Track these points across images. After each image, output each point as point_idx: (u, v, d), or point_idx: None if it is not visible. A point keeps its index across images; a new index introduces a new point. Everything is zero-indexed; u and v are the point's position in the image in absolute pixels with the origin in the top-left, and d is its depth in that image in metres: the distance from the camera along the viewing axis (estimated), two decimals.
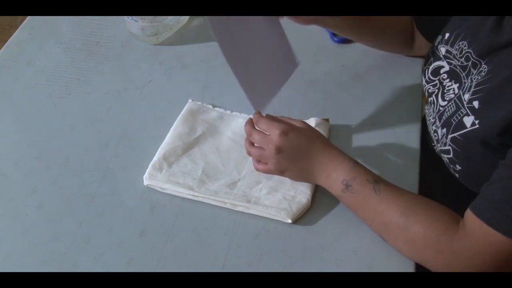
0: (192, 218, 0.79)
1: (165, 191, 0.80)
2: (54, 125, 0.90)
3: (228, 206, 0.79)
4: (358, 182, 0.74)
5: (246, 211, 0.78)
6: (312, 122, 0.87)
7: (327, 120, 0.89)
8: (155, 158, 0.83)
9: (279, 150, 0.76)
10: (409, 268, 0.73)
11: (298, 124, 0.79)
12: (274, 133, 0.76)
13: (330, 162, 0.76)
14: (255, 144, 0.79)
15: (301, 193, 0.79)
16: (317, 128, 0.84)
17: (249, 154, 0.80)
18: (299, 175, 0.79)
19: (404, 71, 0.99)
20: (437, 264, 0.70)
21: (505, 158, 0.67)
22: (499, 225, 0.65)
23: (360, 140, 0.88)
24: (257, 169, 0.80)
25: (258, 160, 0.79)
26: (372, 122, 0.91)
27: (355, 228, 0.77)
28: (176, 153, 0.84)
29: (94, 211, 0.79)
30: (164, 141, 0.86)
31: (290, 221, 0.77)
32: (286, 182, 0.81)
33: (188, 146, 0.85)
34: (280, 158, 0.76)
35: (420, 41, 0.96)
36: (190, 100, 0.92)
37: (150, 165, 0.82)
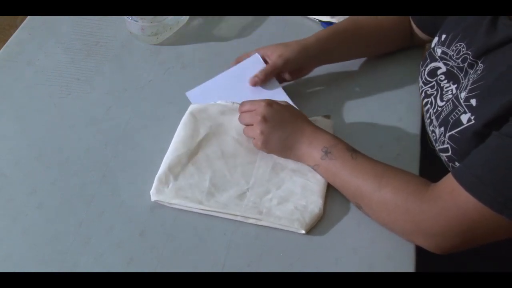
0: (192, 218, 0.79)
1: (173, 206, 0.79)
2: (54, 125, 0.90)
3: (239, 219, 0.77)
4: (338, 149, 0.78)
5: (258, 223, 0.77)
6: (315, 120, 0.87)
7: (328, 116, 0.89)
8: (160, 171, 0.81)
9: (264, 119, 0.80)
10: (409, 268, 0.73)
11: (281, 102, 0.84)
12: (260, 105, 0.82)
13: (312, 132, 0.80)
14: (247, 124, 0.84)
15: (312, 202, 0.78)
16: (321, 127, 0.85)
17: (245, 134, 0.84)
18: (281, 145, 0.81)
19: (404, 71, 0.99)
20: (406, 224, 0.72)
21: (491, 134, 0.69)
22: (467, 183, 0.67)
23: (360, 140, 0.87)
24: (254, 146, 0.83)
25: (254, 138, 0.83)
26: (372, 122, 0.91)
27: (355, 228, 0.77)
28: (181, 162, 0.81)
29: (94, 211, 0.79)
30: (168, 150, 0.83)
31: (303, 231, 0.76)
32: (296, 192, 0.79)
33: (192, 152, 0.83)
34: (265, 127, 0.80)
35: (418, 31, 0.97)
36: (191, 104, 0.90)
37: (156, 179, 0.80)
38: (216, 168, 0.82)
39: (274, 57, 0.91)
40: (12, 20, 1.99)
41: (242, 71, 0.93)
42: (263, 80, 0.91)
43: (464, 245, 0.71)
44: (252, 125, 0.82)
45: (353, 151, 0.78)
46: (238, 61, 0.94)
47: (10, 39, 1.05)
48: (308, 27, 1.01)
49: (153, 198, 0.79)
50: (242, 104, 0.85)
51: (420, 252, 0.75)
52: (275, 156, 0.83)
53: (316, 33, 0.94)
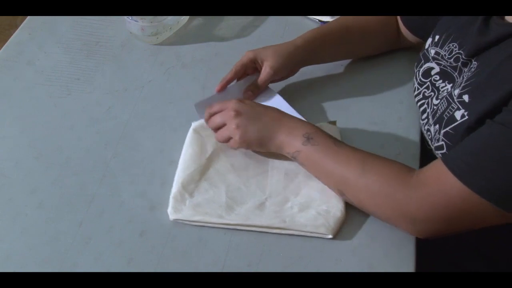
0: None
1: (195, 224, 0.77)
2: (54, 125, 0.90)
3: (263, 230, 0.76)
4: (319, 135, 0.77)
5: (283, 232, 0.76)
6: (321, 126, 0.86)
7: (334, 123, 0.89)
8: (174, 190, 0.79)
9: (238, 113, 0.79)
10: (409, 268, 0.73)
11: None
12: (231, 103, 0.81)
13: (290, 120, 0.80)
14: (218, 127, 0.82)
15: (333, 206, 0.77)
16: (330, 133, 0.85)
17: (217, 139, 0.83)
18: (260, 136, 0.79)
19: (404, 71, 0.99)
20: (390, 210, 0.72)
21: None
22: (456, 169, 0.67)
23: (360, 140, 0.88)
24: (229, 146, 0.82)
25: (228, 140, 0.81)
26: (372, 122, 0.91)
27: (355, 228, 0.77)
28: (194, 179, 0.80)
29: (94, 211, 0.79)
30: (178, 168, 0.82)
31: (330, 236, 0.75)
32: (315, 197, 0.78)
33: (203, 168, 0.81)
34: (239, 121, 0.79)
35: (406, 33, 0.98)
36: (192, 123, 0.87)
37: (171, 198, 0.78)
38: (230, 182, 0.80)
39: (265, 69, 0.90)
40: (12, 20, 1.99)
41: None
42: (256, 94, 0.92)
43: (448, 231, 0.72)
44: (225, 125, 0.81)
45: (334, 139, 0.77)
46: (235, 69, 0.91)
47: (10, 39, 1.05)
48: (308, 27, 1.00)
49: (172, 217, 0.77)
50: (210, 107, 0.83)
51: (420, 252, 0.75)
52: (286, 163, 0.82)
53: (303, 35, 0.93)
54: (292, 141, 0.78)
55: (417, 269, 0.73)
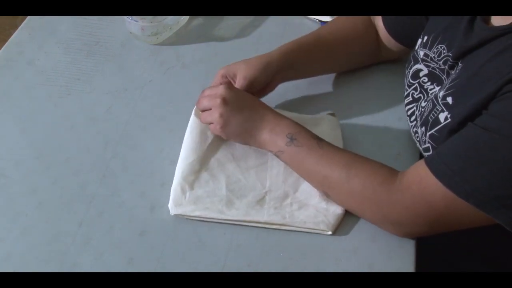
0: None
1: (195, 219, 0.77)
2: (54, 125, 0.90)
3: (262, 225, 0.77)
4: (303, 136, 0.77)
5: (282, 228, 0.76)
6: (322, 117, 0.87)
7: (333, 114, 0.89)
8: (174, 182, 0.79)
9: (224, 101, 0.78)
10: (409, 268, 0.73)
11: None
12: (219, 88, 0.80)
13: (274, 118, 0.79)
14: (205, 109, 0.82)
15: (333, 204, 0.77)
16: (329, 125, 0.85)
17: (201, 121, 0.83)
18: (241, 129, 0.79)
19: (404, 70, 0.99)
20: (375, 215, 0.74)
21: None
22: (437, 170, 0.67)
23: (360, 140, 0.88)
24: (210, 130, 0.82)
25: (211, 123, 0.81)
26: (372, 122, 0.91)
27: (355, 228, 0.77)
28: (194, 169, 0.80)
29: (94, 211, 0.79)
30: (179, 158, 0.82)
31: (330, 232, 0.75)
32: (314, 194, 0.78)
33: (203, 158, 0.81)
34: (224, 109, 0.78)
35: (389, 42, 0.95)
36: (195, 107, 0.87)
37: (172, 191, 0.79)
38: (230, 173, 0.81)
39: (239, 80, 0.86)
40: (12, 20, 1.99)
41: None
42: None
43: (432, 232, 0.73)
44: (211, 109, 0.80)
45: (318, 139, 0.77)
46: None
47: (10, 39, 1.05)
48: (308, 27, 1.01)
49: (173, 212, 0.77)
50: (203, 90, 0.83)
51: (420, 252, 0.75)
52: None
53: (280, 47, 0.90)
54: (275, 141, 0.78)
55: (417, 269, 0.74)
